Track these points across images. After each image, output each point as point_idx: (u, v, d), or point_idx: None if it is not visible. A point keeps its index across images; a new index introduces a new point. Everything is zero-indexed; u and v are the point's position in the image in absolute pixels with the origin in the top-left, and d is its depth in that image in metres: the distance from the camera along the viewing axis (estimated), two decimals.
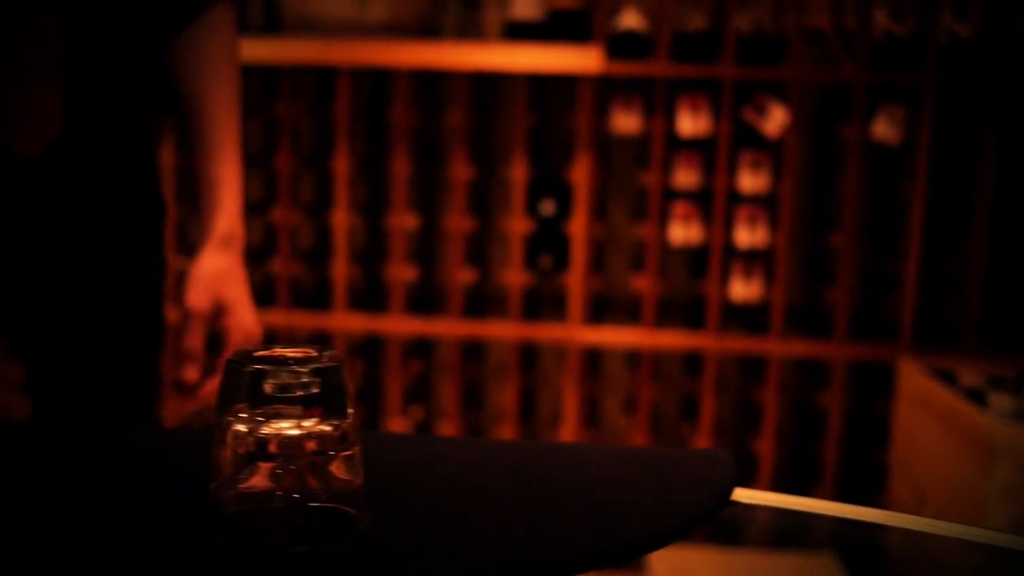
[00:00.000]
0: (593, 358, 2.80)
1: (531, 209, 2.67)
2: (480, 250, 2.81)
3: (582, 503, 0.67)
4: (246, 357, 0.61)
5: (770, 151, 2.58)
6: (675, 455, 0.77)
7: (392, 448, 0.75)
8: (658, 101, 2.57)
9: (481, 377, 2.87)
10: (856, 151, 2.56)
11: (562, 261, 2.67)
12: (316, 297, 2.78)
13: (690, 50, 2.56)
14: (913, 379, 2.44)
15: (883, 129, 2.53)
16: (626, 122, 2.60)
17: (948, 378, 2.34)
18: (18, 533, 0.62)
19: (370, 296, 2.80)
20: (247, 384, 0.59)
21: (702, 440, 2.69)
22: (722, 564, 2.35)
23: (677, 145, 2.61)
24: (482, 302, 2.82)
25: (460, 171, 2.65)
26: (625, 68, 2.55)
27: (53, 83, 0.82)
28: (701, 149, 2.60)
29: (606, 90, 2.63)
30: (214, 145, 1.00)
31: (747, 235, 2.59)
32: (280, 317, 2.67)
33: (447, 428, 2.79)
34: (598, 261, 2.77)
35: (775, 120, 2.53)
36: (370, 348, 2.84)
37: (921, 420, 2.37)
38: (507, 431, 2.75)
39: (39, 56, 0.80)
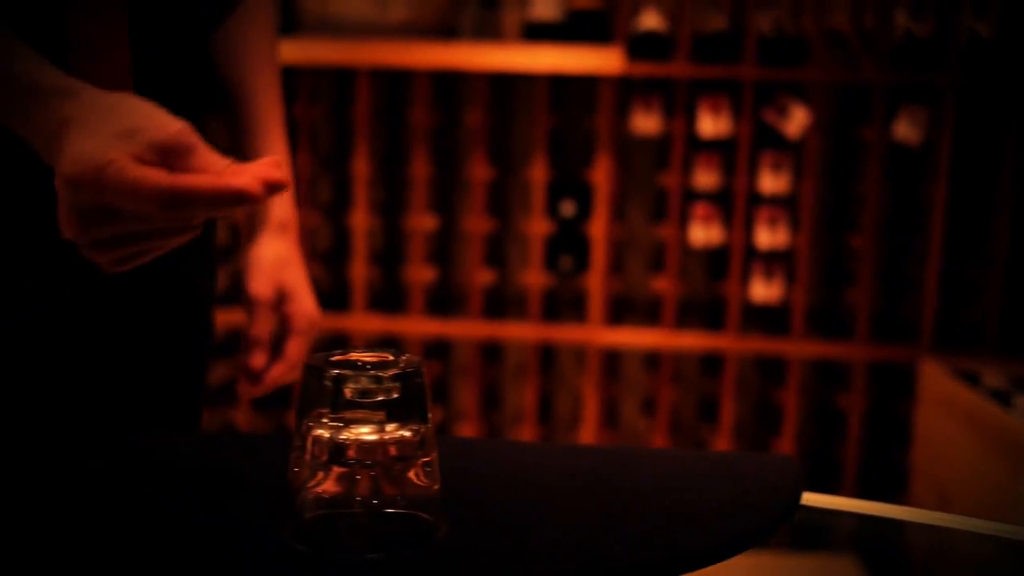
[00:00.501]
0: (611, 359, 2.79)
1: (551, 210, 2.66)
2: (499, 251, 2.80)
3: (658, 509, 0.66)
4: (324, 361, 0.60)
5: (791, 152, 2.58)
6: (743, 460, 0.77)
7: (461, 453, 0.75)
8: (678, 102, 2.57)
9: (499, 378, 2.87)
10: (877, 152, 2.55)
11: (582, 262, 2.66)
12: (334, 298, 2.77)
13: (710, 51, 2.55)
14: (935, 380, 2.43)
15: (904, 130, 2.52)
16: (646, 123, 2.59)
17: (971, 379, 2.33)
18: (99, 535, 0.61)
19: (388, 297, 2.79)
20: (327, 388, 0.59)
21: (721, 442, 2.68)
22: (743, 565, 2.35)
23: (697, 146, 2.60)
24: (501, 303, 2.81)
25: (479, 172, 2.64)
26: (645, 69, 2.54)
27: (124, 89, 0.81)
28: (721, 150, 2.60)
29: (626, 91, 2.63)
30: (262, 130, 0.99)
31: (767, 236, 2.58)
32: None
33: (465, 430, 2.78)
34: (617, 262, 2.77)
35: (796, 121, 2.52)
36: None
37: (944, 421, 2.37)
38: (526, 433, 2.75)
39: (114, 67, 0.79)
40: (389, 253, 2.81)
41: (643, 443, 2.82)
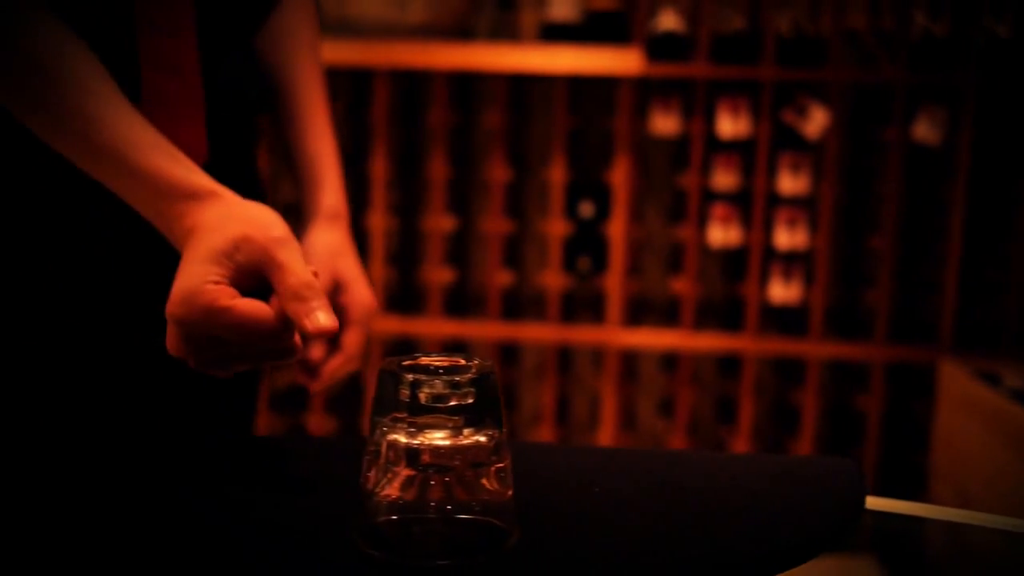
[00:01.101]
0: (629, 361, 2.78)
1: (569, 211, 2.66)
2: (517, 252, 2.80)
3: (726, 515, 0.66)
4: (398, 365, 0.60)
5: (810, 152, 2.57)
6: (803, 464, 0.76)
7: (527, 458, 0.74)
8: (697, 103, 2.56)
9: (516, 380, 2.86)
10: (896, 152, 2.54)
11: (600, 263, 2.66)
12: None
13: (729, 51, 2.55)
14: (955, 381, 2.43)
15: (924, 130, 2.52)
16: (665, 124, 2.59)
17: (991, 380, 2.33)
18: (167, 536, 0.61)
19: (405, 298, 2.79)
20: (403, 393, 0.58)
21: (739, 443, 2.67)
22: None
23: (716, 147, 2.60)
24: (518, 304, 2.81)
25: (497, 173, 2.64)
26: (664, 70, 2.54)
27: (196, 112, 0.81)
28: (740, 151, 2.59)
29: (644, 92, 2.62)
30: (308, 120, 0.98)
31: (786, 237, 2.57)
32: None
33: None
34: (635, 263, 2.76)
35: (815, 121, 2.52)
36: (405, 351, 2.83)
37: (964, 422, 2.36)
38: (543, 434, 2.74)
39: (185, 87, 0.79)
40: (406, 254, 2.81)
41: (660, 444, 2.82)
